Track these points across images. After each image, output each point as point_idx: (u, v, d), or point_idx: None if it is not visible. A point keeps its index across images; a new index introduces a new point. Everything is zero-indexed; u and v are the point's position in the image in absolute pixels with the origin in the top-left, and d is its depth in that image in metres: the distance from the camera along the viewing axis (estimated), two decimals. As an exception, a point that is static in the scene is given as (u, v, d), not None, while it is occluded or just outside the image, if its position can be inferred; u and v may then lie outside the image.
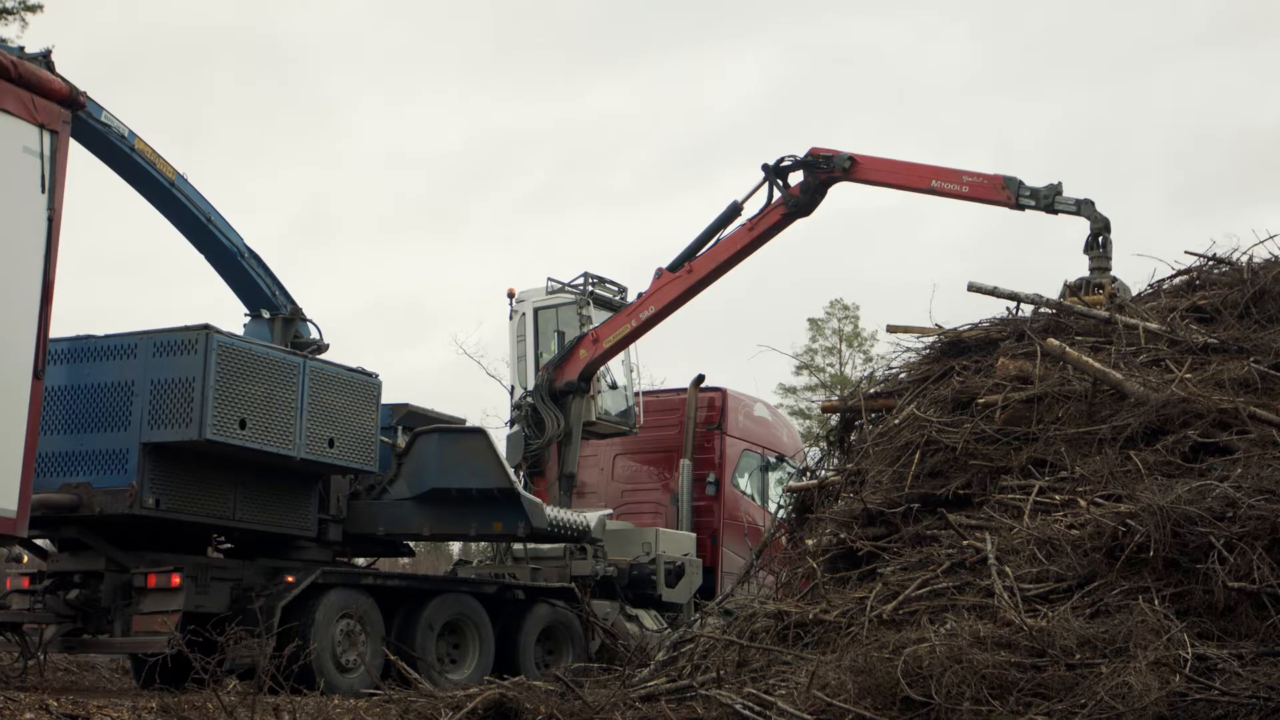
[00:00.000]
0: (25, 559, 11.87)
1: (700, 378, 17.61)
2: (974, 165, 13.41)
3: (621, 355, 17.12)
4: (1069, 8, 73.88)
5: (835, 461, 12.66)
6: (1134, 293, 12.59)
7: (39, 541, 11.51)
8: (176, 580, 10.78)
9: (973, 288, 12.23)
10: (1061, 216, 13.74)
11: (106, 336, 11.11)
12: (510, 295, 17.41)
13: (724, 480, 17.31)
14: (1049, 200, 13.69)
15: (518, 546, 15.25)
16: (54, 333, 9.92)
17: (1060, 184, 13.66)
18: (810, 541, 10.54)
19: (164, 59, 74.14)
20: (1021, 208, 13.85)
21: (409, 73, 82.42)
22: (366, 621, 11.77)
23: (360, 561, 14.18)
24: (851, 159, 15.01)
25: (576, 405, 16.27)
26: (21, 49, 10.47)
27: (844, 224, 69.47)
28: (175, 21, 72.14)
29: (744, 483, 17.74)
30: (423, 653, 12.08)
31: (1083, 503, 8.52)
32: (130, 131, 11.70)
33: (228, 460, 11.16)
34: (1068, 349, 10.34)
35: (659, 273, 16.19)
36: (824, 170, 15.14)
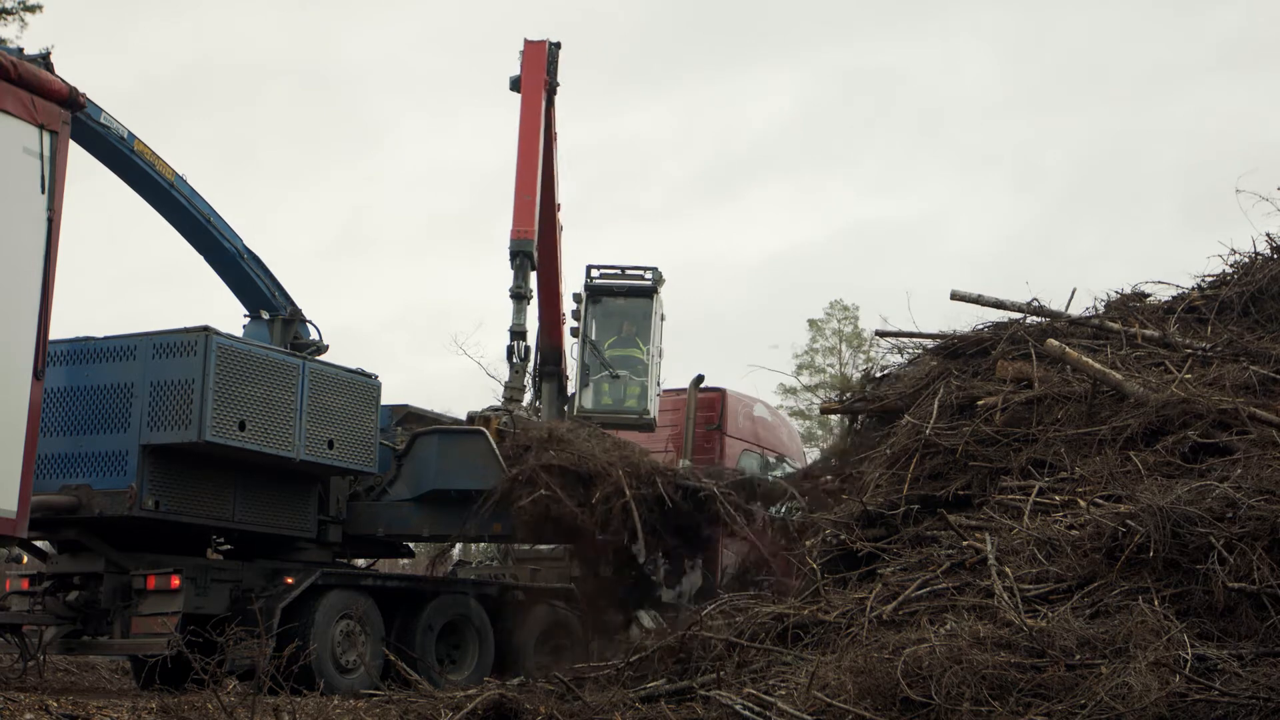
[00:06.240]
0: (25, 560, 11.87)
1: (700, 378, 17.56)
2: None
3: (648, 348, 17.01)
4: (1092, 30, 74.52)
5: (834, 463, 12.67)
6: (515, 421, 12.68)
7: (39, 543, 11.52)
8: (176, 582, 10.78)
9: (955, 296, 12.22)
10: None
11: (106, 338, 11.11)
12: None
13: (724, 481, 17.25)
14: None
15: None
16: (54, 334, 9.94)
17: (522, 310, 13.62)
18: (810, 542, 10.53)
19: (217, 87, 75.53)
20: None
21: (452, 94, 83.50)
22: (366, 622, 11.77)
23: (360, 562, 14.17)
24: None
25: (548, 389, 16.28)
26: (20, 50, 10.48)
27: (857, 233, 69.93)
28: (226, 52, 73.48)
29: (744, 483, 17.70)
30: (422, 653, 12.08)
31: (1083, 503, 8.51)
32: (130, 133, 11.68)
33: (227, 462, 11.16)
34: (1067, 349, 10.34)
35: None
36: None
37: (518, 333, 13.52)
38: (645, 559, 13.01)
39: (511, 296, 13.61)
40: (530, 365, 13.53)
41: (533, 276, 13.84)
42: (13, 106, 9.44)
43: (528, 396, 15.94)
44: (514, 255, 13.63)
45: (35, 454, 9.61)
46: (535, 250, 13.77)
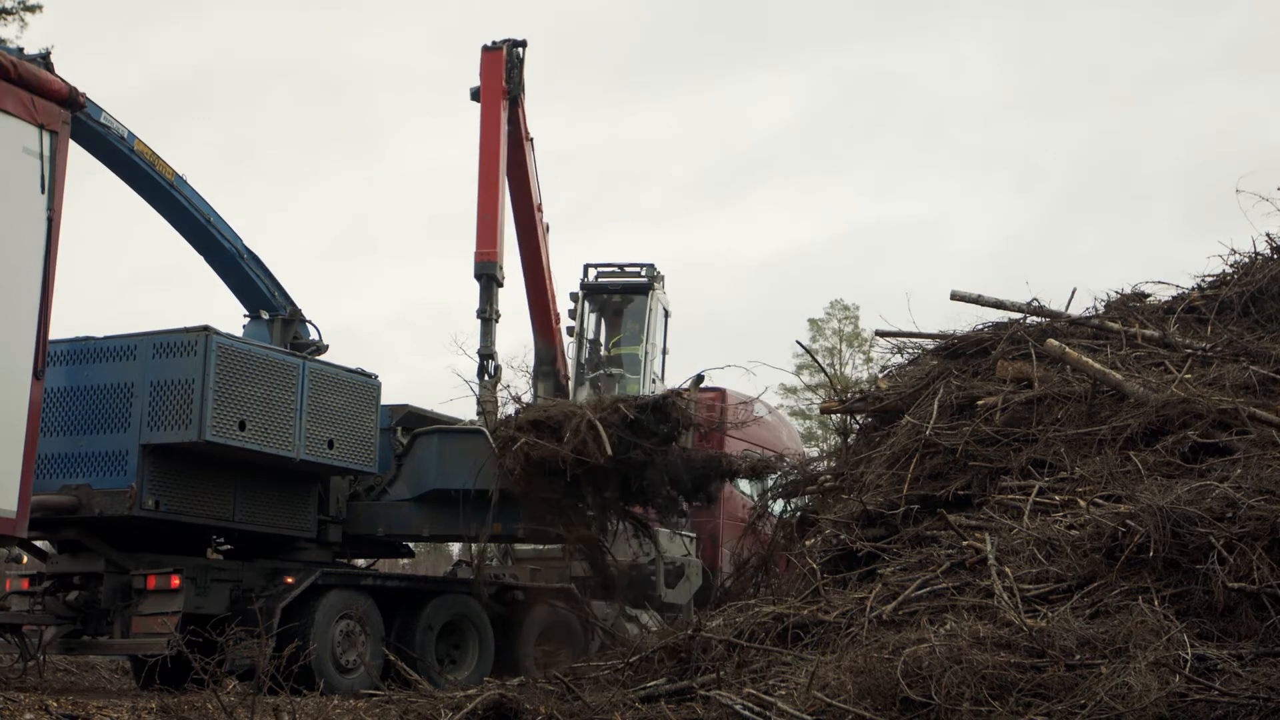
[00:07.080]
0: (25, 560, 11.86)
1: (700, 377, 17.57)
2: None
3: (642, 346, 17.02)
4: (1093, 31, 74.80)
5: (834, 463, 12.67)
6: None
7: (39, 543, 11.51)
8: (176, 582, 10.78)
9: (956, 296, 12.23)
10: None
11: (106, 338, 11.11)
12: None
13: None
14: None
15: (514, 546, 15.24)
16: (54, 334, 9.93)
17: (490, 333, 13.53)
18: (810, 542, 10.52)
19: (220, 88, 75.93)
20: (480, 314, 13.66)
21: (454, 96, 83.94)
22: (366, 622, 11.77)
23: (360, 562, 14.17)
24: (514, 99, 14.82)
25: (544, 389, 16.29)
26: (20, 50, 10.48)
27: (857, 234, 70.21)
28: (229, 54, 73.83)
29: (744, 483, 17.68)
30: (422, 653, 12.08)
31: (1082, 503, 8.51)
32: (129, 133, 11.68)
33: (227, 461, 11.16)
34: (1067, 349, 10.33)
35: None
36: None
37: (486, 354, 13.51)
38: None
39: (478, 318, 13.56)
40: (500, 383, 13.54)
41: (500, 295, 13.74)
42: (13, 106, 9.44)
43: (527, 396, 15.96)
44: (478, 277, 13.57)
45: (35, 454, 9.61)
46: (499, 271, 13.67)
